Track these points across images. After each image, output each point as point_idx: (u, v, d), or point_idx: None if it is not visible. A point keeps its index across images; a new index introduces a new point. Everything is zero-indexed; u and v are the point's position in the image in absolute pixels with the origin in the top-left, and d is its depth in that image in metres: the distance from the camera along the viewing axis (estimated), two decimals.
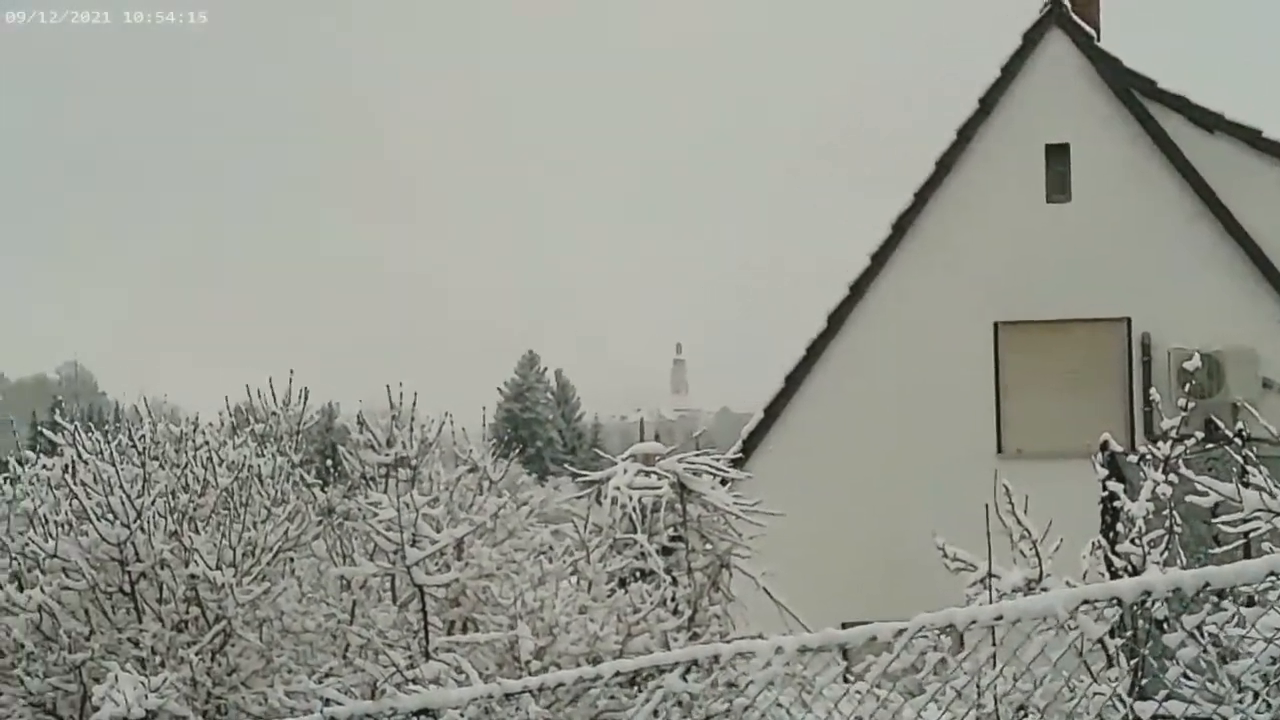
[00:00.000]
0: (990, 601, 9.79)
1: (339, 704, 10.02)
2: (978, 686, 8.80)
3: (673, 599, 12.87)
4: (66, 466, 12.45)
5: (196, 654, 11.49)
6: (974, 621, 7.98)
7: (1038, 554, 10.54)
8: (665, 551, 14.46)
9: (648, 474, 14.79)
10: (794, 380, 21.54)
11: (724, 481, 15.36)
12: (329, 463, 13.85)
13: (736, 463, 17.60)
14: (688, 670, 9.09)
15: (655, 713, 8.98)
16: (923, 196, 21.38)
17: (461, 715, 9.41)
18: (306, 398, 13.60)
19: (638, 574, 13.83)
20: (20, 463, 13.10)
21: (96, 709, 10.58)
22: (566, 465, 19.88)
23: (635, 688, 10.38)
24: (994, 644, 8.58)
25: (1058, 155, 21.53)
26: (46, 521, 11.99)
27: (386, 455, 12.41)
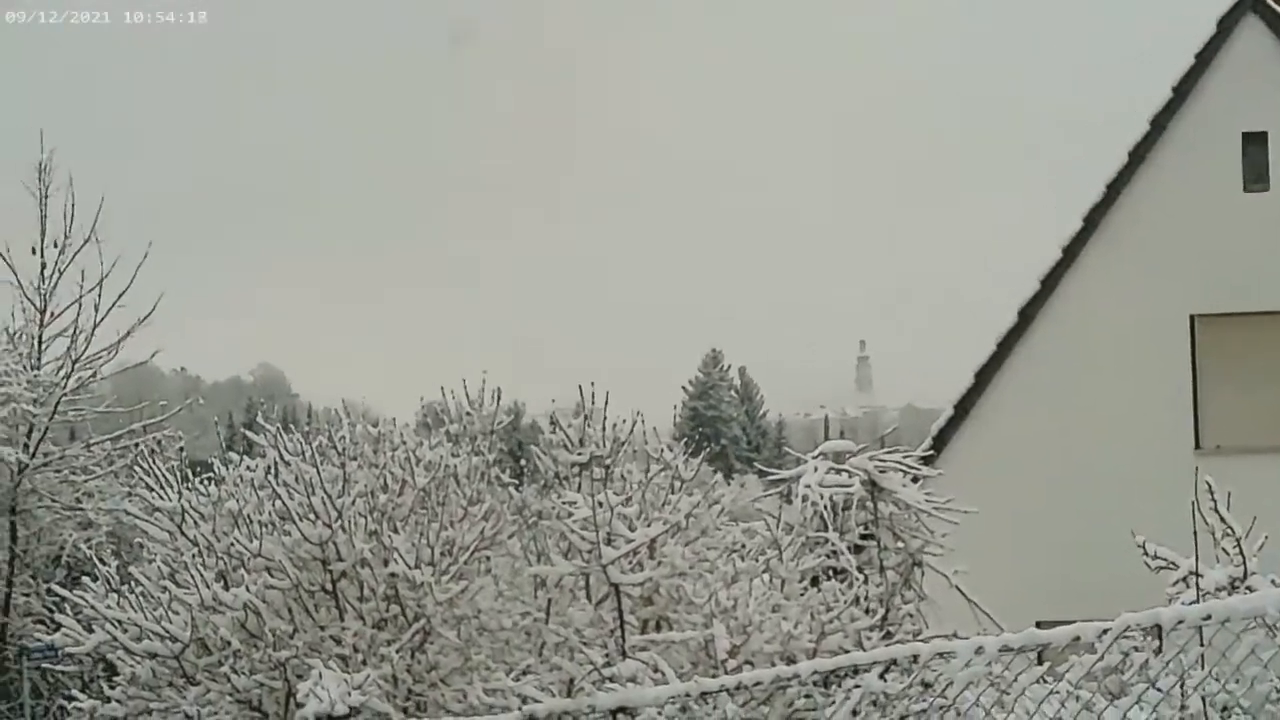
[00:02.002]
0: (1196, 601, 9.57)
1: (537, 701, 10.12)
2: (1182, 688, 8.62)
3: (865, 597, 12.79)
4: (269, 468, 12.74)
5: (397, 651, 11.68)
6: (1181, 621, 7.82)
7: (1241, 552, 10.31)
8: (856, 549, 14.39)
9: (838, 471, 14.73)
10: (984, 376, 21.25)
11: (915, 479, 15.25)
12: (519, 462, 14.00)
13: (927, 460, 17.38)
14: (886, 670, 9.02)
15: (854, 712, 8.93)
16: (1115, 188, 20.95)
17: (659, 713, 9.44)
18: (500, 398, 13.74)
19: (830, 572, 13.77)
20: (224, 464, 13.43)
21: (301, 705, 10.80)
22: (755, 464, 19.83)
23: (828, 687, 10.33)
24: (1201, 644, 8.38)
25: (1255, 143, 20.98)
26: (251, 521, 12.28)
27: (580, 454, 12.50)
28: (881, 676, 9.03)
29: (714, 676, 10.01)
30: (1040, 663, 8.93)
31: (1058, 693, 8.69)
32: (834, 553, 13.97)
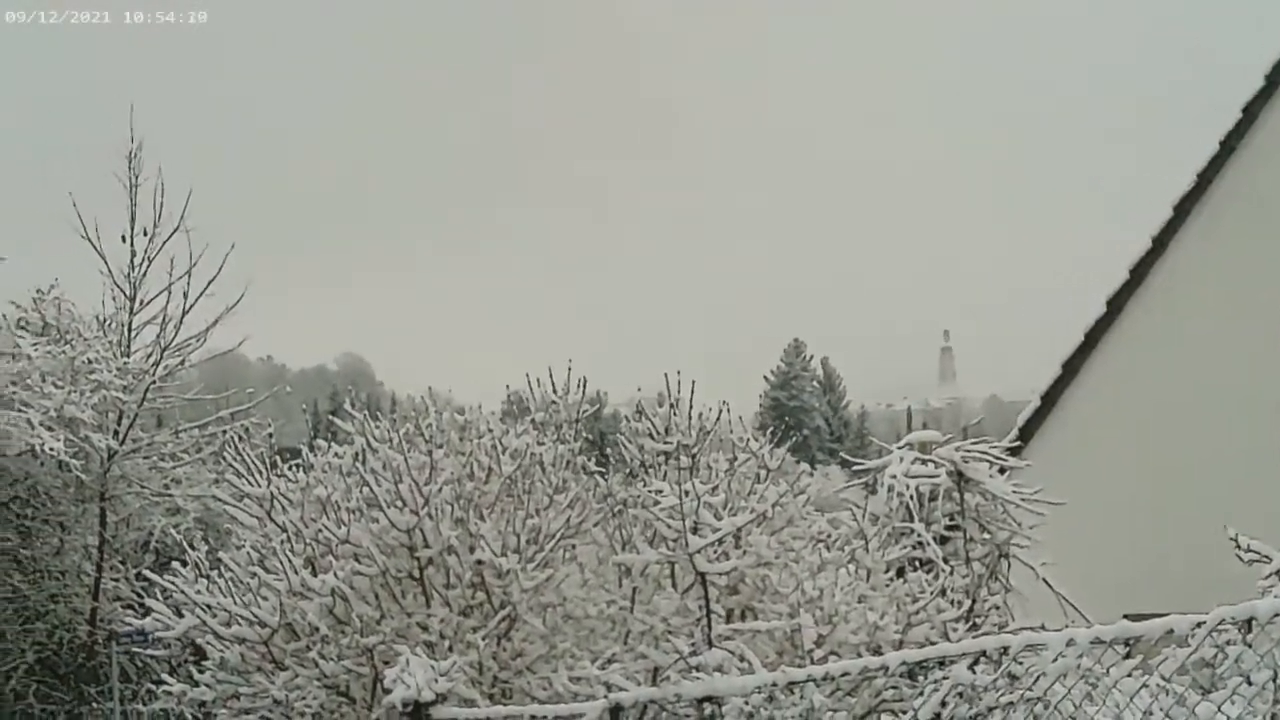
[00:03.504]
0: None
1: (623, 690, 10.12)
2: (1275, 681, 8.50)
3: (951, 589, 12.73)
4: (357, 454, 12.82)
5: (483, 638, 11.73)
6: (1278, 615, 7.70)
7: None
8: (942, 540, 14.34)
9: (924, 462, 14.67)
10: (1072, 367, 21.03)
11: (1001, 470, 15.16)
12: (602, 451, 14.01)
13: (1013, 451, 17.26)
14: (975, 662, 8.95)
15: (942, 704, 8.87)
16: (1205, 177, 20.68)
17: (745, 703, 9.42)
18: (585, 386, 13.76)
19: (915, 563, 13.72)
20: (312, 451, 13.53)
21: (388, 691, 10.86)
22: (841, 454, 19.77)
23: (913, 679, 10.27)
24: None
25: None
26: (339, 508, 12.36)
27: (666, 443, 12.49)
28: (970, 668, 8.96)
29: (800, 666, 9.97)
30: (1128, 656, 8.83)
31: (1149, 686, 8.59)
32: (920, 544, 13.92)
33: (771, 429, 14.16)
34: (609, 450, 13.79)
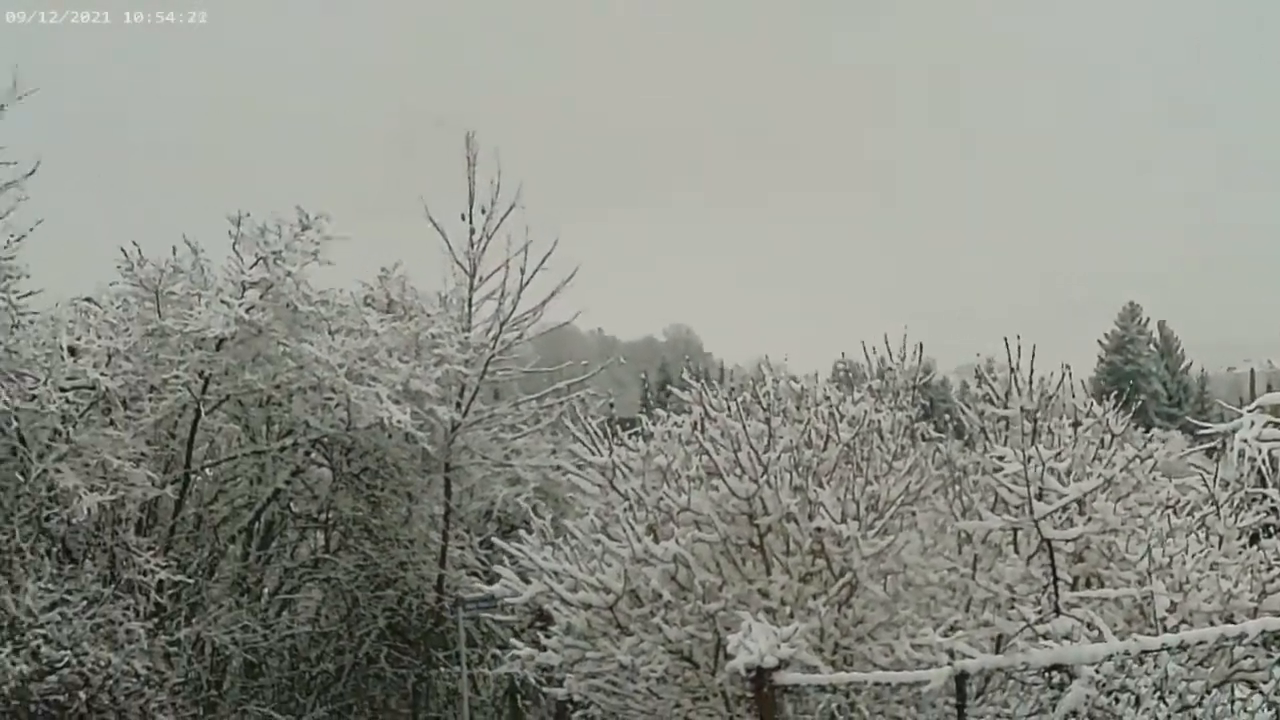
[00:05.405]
0: None
1: (968, 658, 10.04)
2: None
3: None
4: (695, 423, 12.97)
5: (824, 605, 11.76)
6: None
7: None
8: None
9: (1277, 426, 14.13)
10: None
11: None
12: (930, 418, 13.88)
13: None
14: None
15: None
16: None
17: (1096, 671, 9.25)
18: (921, 352, 13.66)
19: (1269, 529, 13.25)
20: (651, 420, 13.73)
21: (730, 657, 11.00)
22: (1178, 419, 19.17)
23: (1268, 647, 9.94)
24: None
25: None
26: (679, 476, 12.53)
27: (1006, 409, 12.33)
28: None
29: (1151, 635, 9.74)
30: None
31: None
32: (1274, 509, 13.42)
33: (1106, 394, 13.83)
34: (938, 417, 13.69)
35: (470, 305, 21.27)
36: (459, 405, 20.57)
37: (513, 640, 14.61)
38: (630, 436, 13.85)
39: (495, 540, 15.88)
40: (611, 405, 14.54)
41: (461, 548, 21.10)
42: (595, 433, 13.59)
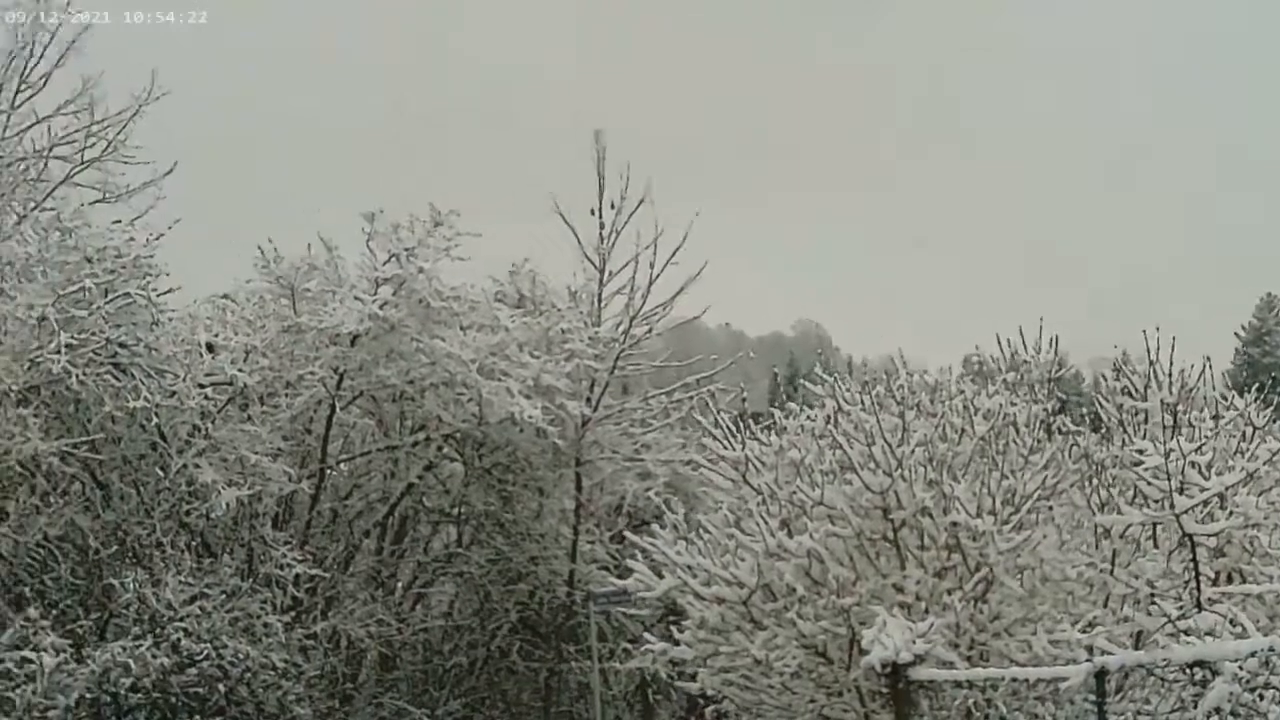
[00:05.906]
0: None
1: (1108, 654, 9.91)
2: None
3: None
4: (828, 418, 12.91)
5: (959, 600, 11.67)
6: None
7: None
8: None
9: None
10: None
11: None
12: (1061, 411, 13.71)
13: None
14: None
15: None
16: None
17: (1240, 668, 9.09)
18: (1057, 345, 13.51)
19: None
20: (784, 415, 13.68)
21: (865, 652, 10.94)
22: None
23: None
24: None
25: None
26: (812, 470, 12.48)
27: (1145, 401, 12.16)
28: None
29: None
30: None
31: None
32: None
33: (1257, 385, 13.59)
34: (1072, 410, 13.53)
35: (600, 300, 21.32)
36: (589, 400, 20.64)
37: (644, 635, 14.63)
38: (762, 431, 13.82)
39: (627, 534, 15.90)
40: (744, 399, 14.49)
41: (592, 542, 21.17)
42: (727, 427, 13.57)
